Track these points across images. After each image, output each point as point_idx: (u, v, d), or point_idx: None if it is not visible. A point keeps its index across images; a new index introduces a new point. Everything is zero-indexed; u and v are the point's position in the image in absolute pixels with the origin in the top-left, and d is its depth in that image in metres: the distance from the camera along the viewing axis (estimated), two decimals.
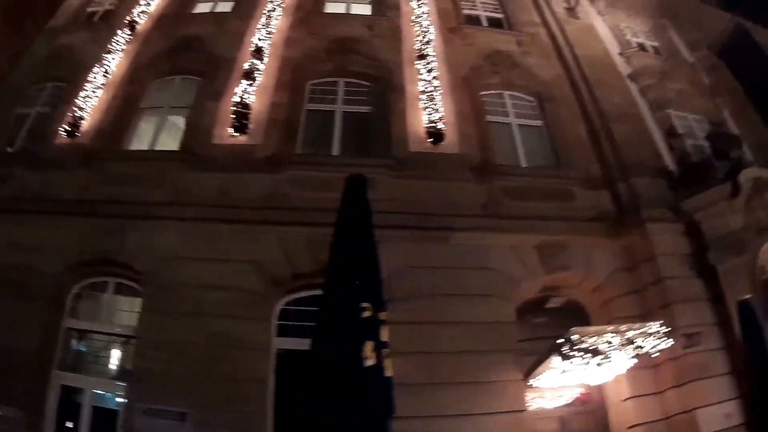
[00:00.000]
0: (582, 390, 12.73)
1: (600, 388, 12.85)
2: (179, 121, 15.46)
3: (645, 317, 12.52)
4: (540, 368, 11.29)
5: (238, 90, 14.82)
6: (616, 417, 12.72)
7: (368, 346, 6.34)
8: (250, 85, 15.07)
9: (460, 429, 10.68)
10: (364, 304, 6.56)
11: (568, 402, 12.62)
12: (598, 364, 10.71)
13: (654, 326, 11.08)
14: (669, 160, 16.04)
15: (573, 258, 13.39)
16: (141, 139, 15.22)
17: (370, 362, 6.29)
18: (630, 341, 10.80)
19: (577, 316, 13.41)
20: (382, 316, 6.75)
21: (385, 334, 6.69)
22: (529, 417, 11.60)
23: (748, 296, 9.41)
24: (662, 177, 15.26)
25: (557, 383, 11.67)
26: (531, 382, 11.73)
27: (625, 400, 12.33)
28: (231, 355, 11.02)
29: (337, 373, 6.22)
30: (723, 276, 13.52)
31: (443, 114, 15.26)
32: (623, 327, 10.99)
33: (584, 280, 13.45)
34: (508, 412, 11.07)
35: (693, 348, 12.51)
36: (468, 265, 12.57)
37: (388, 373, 6.58)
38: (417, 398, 10.36)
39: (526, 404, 11.67)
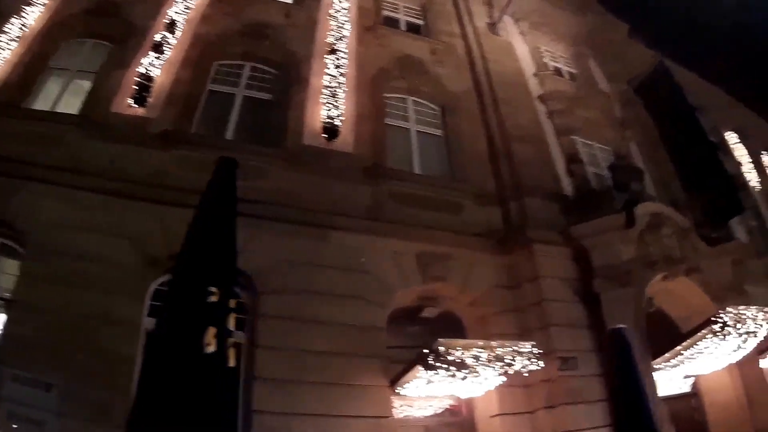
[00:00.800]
0: (451, 402, 12.59)
1: (470, 402, 12.77)
2: (86, 86, 14.72)
3: (522, 336, 12.45)
4: (406, 377, 11.05)
5: (145, 61, 14.14)
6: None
7: (210, 332, 5.99)
8: (158, 58, 14.42)
9: (323, 430, 10.44)
10: (212, 289, 6.26)
11: (437, 412, 12.60)
12: (464, 378, 10.55)
13: (526, 346, 11.02)
14: (567, 185, 15.97)
15: (453, 270, 13.25)
16: (45, 100, 14.31)
17: (210, 349, 5.94)
18: (499, 358, 10.65)
19: (453, 328, 13.28)
20: (232, 303, 6.48)
21: (231, 322, 6.42)
22: (393, 424, 11.42)
23: (621, 326, 9.24)
24: (556, 201, 15.28)
25: (425, 393, 11.46)
26: (398, 390, 11.47)
27: (494, 416, 12.26)
28: (102, 329, 10.38)
29: (176, 357, 5.90)
30: (606, 304, 13.56)
31: (342, 111, 14.94)
32: (494, 343, 10.85)
33: (462, 293, 13.34)
34: (372, 417, 10.91)
35: (568, 372, 12.48)
36: (345, 266, 12.30)
37: (231, 362, 6.23)
38: (281, 394, 10.33)
39: (392, 411, 11.51)
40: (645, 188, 17.53)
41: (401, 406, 12.00)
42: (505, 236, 14.13)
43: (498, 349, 10.67)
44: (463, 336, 13.01)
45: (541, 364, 11.11)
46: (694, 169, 19.63)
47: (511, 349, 10.80)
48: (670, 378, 15.68)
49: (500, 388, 11.64)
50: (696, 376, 16.58)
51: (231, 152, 11.08)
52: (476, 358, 10.40)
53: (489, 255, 13.78)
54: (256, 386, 10.47)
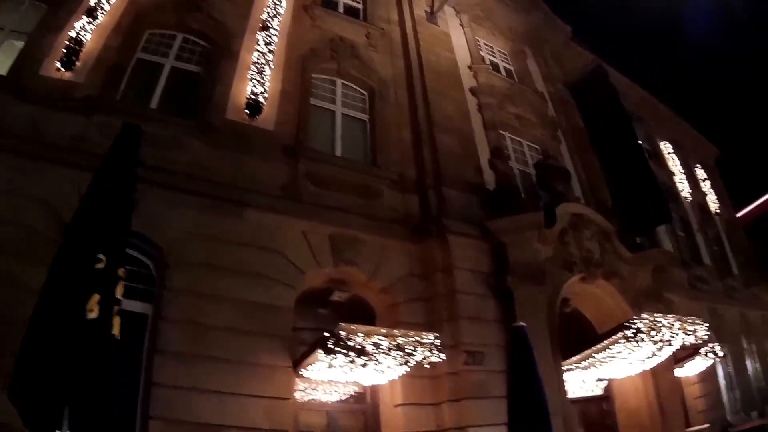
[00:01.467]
0: (356, 389, 12.42)
1: (375, 390, 12.56)
2: (20, 46, 14.07)
3: (432, 327, 12.22)
4: (308, 359, 10.73)
5: (77, 25, 13.50)
6: (387, 421, 12.30)
7: (94, 299, 5.81)
8: (90, 22, 13.74)
9: (222, 406, 10.14)
10: (100, 255, 6.06)
11: (342, 399, 12.39)
12: (364, 365, 10.31)
13: (428, 337, 10.76)
14: (490, 180, 15.83)
15: (365, 255, 12.99)
16: None
17: (92, 315, 5.75)
18: (400, 347, 10.39)
19: (363, 314, 13.03)
20: (120, 272, 6.26)
21: (119, 291, 6.17)
22: (294, 406, 11.24)
23: (521, 323, 9.03)
24: (477, 194, 15.09)
25: (328, 377, 11.16)
26: (302, 372, 11.14)
27: (398, 406, 12.04)
28: (4, 293, 9.72)
29: (58, 321, 5.76)
30: (518, 301, 13.41)
31: (268, 88, 14.50)
32: (396, 332, 10.62)
33: (373, 280, 13.00)
34: (272, 398, 10.61)
35: (474, 366, 12.31)
36: (256, 243, 11.93)
37: (115, 331, 5.97)
38: (181, 369, 10.03)
39: (293, 393, 11.29)
40: (571, 190, 17.50)
41: (306, 389, 11.83)
42: (420, 225, 13.89)
43: (400, 338, 10.42)
44: (372, 323, 12.64)
45: (443, 356, 10.88)
46: (624, 175, 19.72)
47: (413, 339, 10.56)
48: (582, 380, 15.72)
49: (405, 378, 11.54)
50: (609, 380, 16.60)
51: (153, 122, 11.29)
52: (377, 345, 10.14)
53: (403, 243, 13.56)
54: (156, 359, 10.08)
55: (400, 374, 11.21)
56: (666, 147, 29.65)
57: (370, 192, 14.11)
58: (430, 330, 11.49)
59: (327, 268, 12.69)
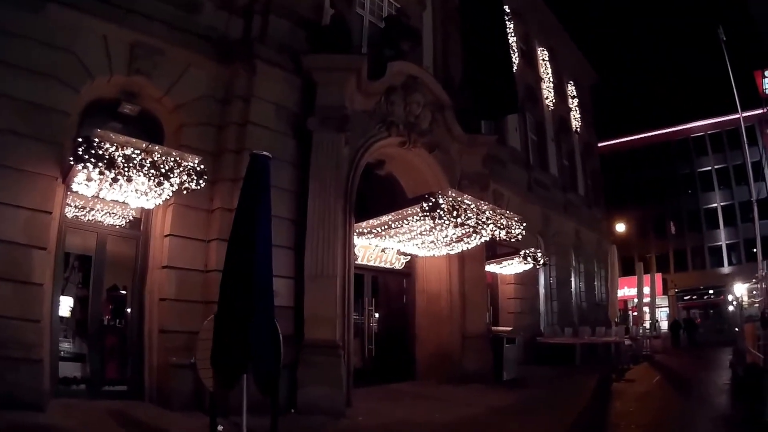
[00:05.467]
0: (135, 213, 11.46)
1: (149, 218, 11.51)
2: None
3: (217, 156, 11.51)
4: (72, 171, 9.35)
5: None
6: (155, 251, 11.33)
7: None
8: None
9: None
10: None
11: (116, 223, 11.41)
12: (115, 179, 8.96)
13: (192, 160, 9.54)
14: (328, 19, 14.24)
15: (164, 68, 11.51)
16: None
17: None
18: (155, 166, 9.12)
19: (153, 133, 11.61)
20: None
21: None
22: (61, 224, 10.19)
23: (264, 153, 7.65)
24: (307, 29, 13.56)
25: (93, 193, 10.00)
26: (72, 186, 9.81)
27: (167, 236, 11.22)
28: None
29: None
30: (316, 145, 12.46)
31: None
32: (157, 148, 9.32)
33: (167, 96, 11.59)
34: (32, 209, 9.39)
35: None
36: (49, 40, 10.15)
37: None
38: None
39: (55, 206, 9.92)
40: (419, 54, 16.33)
41: (81, 207, 10.94)
42: (232, 46, 12.37)
43: (157, 154, 9.14)
44: (162, 142, 11.21)
45: (202, 183, 9.75)
46: (481, 58, 18.68)
47: (172, 159, 9.29)
48: (382, 249, 15.23)
49: (178, 207, 11.01)
50: (413, 257, 16.00)
51: None
52: (128, 159, 8.84)
53: (210, 62, 12.12)
54: None
55: (165, 199, 10.12)
56: (542, 53, 28.90)
57: (190, 4, 12.25)
58: (215, 159, 10.84)
59: (119, 76, 11.10)
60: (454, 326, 15.64)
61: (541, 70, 28.44)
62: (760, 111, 46.71)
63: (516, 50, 23.93)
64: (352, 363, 12.47)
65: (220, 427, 8.31)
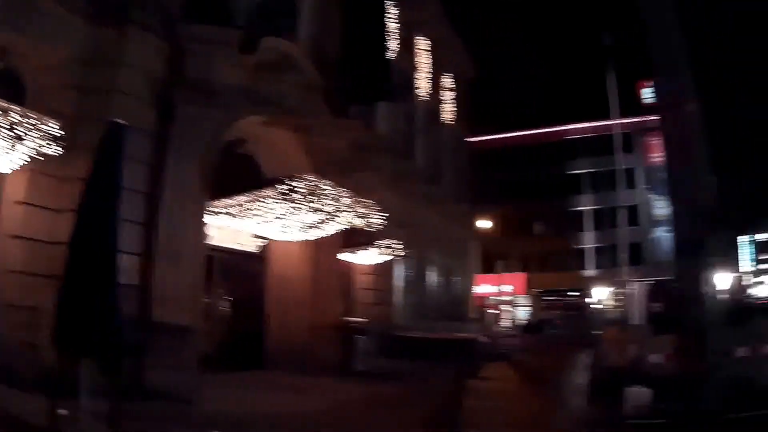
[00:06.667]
0: None
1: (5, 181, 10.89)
2: None
3: (76, 120, 10.92)
4: None
5: None
6: (7, 219, 10.86)
7: None
8: None
9: None
10: None
11: None
12: None
13: (50, 124, 9.13)
14: None
15: (35, 24, 11.00)
16: None
17: None
18: (12, 128, 8.69)
19: (16, 92, 11.09)
20: None
21: None
22: None
23: (121, 120, 7.51)
24: None
25: None
26: None
27: (19, 203, 10.82)
28: None
29: None
30: (180, 117, 12.49)
31: None
32: (15, 108, 8.84)
33: (34, 53, 11.32)
34: None
35: None
36: None
37: None
38: None
39: None
40: (294, 32, 16.59)
41: None
42: (107, 6, 12.03)
43: (13, 115, 8.67)
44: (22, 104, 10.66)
45: (60, 150, 9.40)
46: (360, 41, 18.94)
47: (29, 122, 8.88)
48: (236, 230, 15.29)
49: (35, 175, 10.64)
50: (268, 241, 16.13)
51: None
52: None
53: (82, 22, 11.68)
54: None
55: (20, 164, 9.57)
56: (423, 42, 29.15)
57: None
58: (76, 126, 10.45)
59: None
60: (307, 314, 15.94)
61: (421, 59, 28.93)
62: (638, 120, 49.26)
63: (398, 37, 24.13)
64: (202, 349, 12.49)
65: (62, 411, 8.15)
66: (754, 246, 73.72)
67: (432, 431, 10.75)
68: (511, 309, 49.46)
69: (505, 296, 49.10)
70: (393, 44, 22.47)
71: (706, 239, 17.90)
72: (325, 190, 12.77)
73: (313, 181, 12.67)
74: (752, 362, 12.03)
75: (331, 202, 12.96)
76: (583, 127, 58.99)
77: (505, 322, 44.70)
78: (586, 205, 59.75)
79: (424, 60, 29.27)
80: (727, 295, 26.72)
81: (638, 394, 11.10)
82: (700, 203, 18.86)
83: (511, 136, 62.27)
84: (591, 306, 48.65)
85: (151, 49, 12.39)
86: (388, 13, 21.10)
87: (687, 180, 19.75)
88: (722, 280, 22.23)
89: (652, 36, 19.48)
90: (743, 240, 66.13)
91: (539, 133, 61.95)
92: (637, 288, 23.01)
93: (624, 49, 31.59)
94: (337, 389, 13.39)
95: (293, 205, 12.52)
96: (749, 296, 50.40)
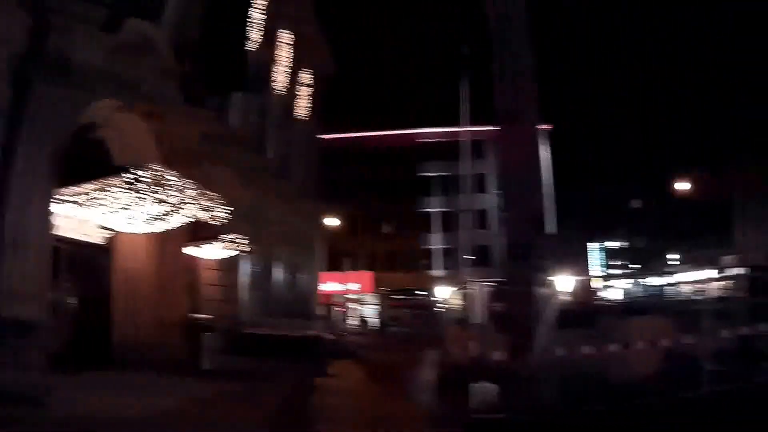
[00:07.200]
0: None
1: None
2: None
3: None
4: None
5: None
6: None
7: None
8: None
9: None
10: None
11: None
12: None
13: None
14: None
15: None
16: None
17: None
18: None
19: None
20: None
21: None
22: None
23: None
24: None
25: None
26: None
27: None
28: None
29: None
30: (35, 96, 11.93)
31: None
32: None
33: None
34: None
35: None
36: None
37: None
38: None
39: None
40: (160, 18, 16.36)
41: None
42: None
43: None
44: None
45: None
46: (220, 30, 18.84)
47: None
48: (81, 220, 14.53)
49: None
50: (114, 232, 15.51)
51: None
52: None
53: None
54: None
55: None
56: (286, 36, 29.06)
57: None
58: None
59: None
60: (152, 310, 15.56)
61: (281, 53, 28.82)
62: (488, 128, 50.58)
63: (261, 29, 24.00)
64: (50, 347, 11.98)
65: None
66: (604, 252, 78.28)
67: (279, 429, 10.80)
68: (359, 307, 49.98)
69: (352, 294, 49.57)
70: (255, 35, 22.32)
71: (534, 244, 18.57)
72: (170, 180, 12.58)
73: (159, 171, 12.48)
74: (601, 360, 12.77)
75: (175, 194, 12.74)
76: (435, 132, 59.63)
77: (352, 320, 45.08)
78: (434, 207, 60.90)
79: (284, 54, 29.19)
80: (571, 298, 28.20)
81: (483, 389, 11.77)
82: (529, 210, 19.52)
83: (364, 136, 62.35)
84: (437, 305, 49.63)
85: (11, 19, 11.67)
86: (254, 3, 20.90)
87: (517, 187, 20.40)
88: (565, 283, 23.19)
89: (495, 50, 19.97)
90: (593, 247, 69.91)
91: (393, 134, 62.40)
92: (479, 288, 23.73)
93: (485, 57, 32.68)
94: (187, 387, 13.14)
95: (138, 195, 12.25)
96: (599, 299, 53.62)
